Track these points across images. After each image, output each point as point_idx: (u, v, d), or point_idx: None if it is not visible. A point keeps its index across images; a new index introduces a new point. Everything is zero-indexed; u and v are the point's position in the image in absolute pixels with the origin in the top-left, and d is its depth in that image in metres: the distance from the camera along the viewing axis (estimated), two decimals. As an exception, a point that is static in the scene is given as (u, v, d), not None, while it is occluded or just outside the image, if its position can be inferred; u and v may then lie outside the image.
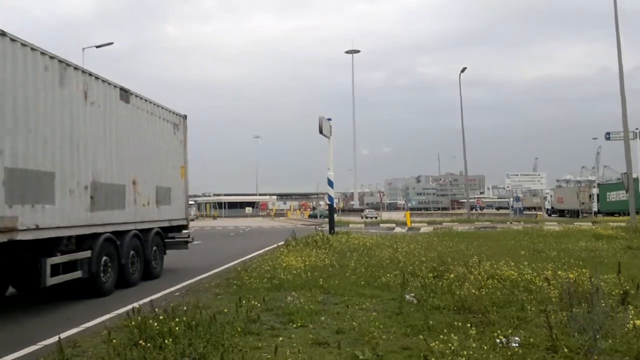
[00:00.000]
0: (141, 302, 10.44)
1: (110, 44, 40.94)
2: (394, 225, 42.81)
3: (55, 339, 7.73)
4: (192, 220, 70.87)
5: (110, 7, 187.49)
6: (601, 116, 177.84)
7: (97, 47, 39.26)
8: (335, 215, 31.27)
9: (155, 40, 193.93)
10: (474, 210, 57.63)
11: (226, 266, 16.19)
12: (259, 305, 8.31)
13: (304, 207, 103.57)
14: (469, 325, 6.93)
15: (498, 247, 15.79)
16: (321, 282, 10.18)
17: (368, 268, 11.96)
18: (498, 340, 6.28)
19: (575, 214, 55.49)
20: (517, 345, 6.20)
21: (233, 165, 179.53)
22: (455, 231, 27.76)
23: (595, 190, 58.41)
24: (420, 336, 6.46)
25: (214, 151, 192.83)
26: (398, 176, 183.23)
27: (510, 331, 6.75)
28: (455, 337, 6.25)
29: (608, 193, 53.39)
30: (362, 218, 67.50)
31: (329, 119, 25.54)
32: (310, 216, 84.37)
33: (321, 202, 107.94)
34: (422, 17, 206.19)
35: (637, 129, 35.65)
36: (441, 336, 6.27)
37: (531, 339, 6.24)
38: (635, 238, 18.90)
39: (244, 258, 18.48)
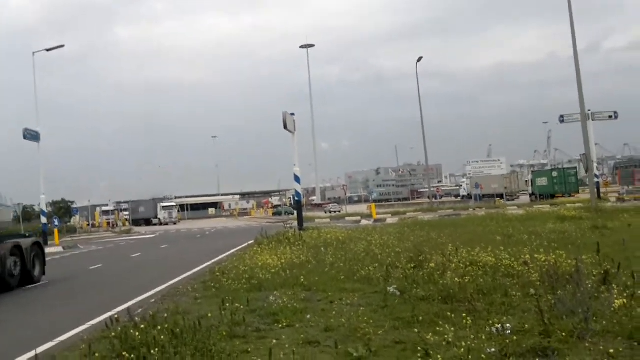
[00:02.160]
0: (116, 310, 10.13)
1: (62, 46, 39.70)
2: (359, 218, 42.93)
3: (28, 356, 7.44)
4: (175, 223, 69.82)
5: (58, 12, 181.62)
6: (551, 101, 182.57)
7: (48, 50, 38.03)
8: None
9: (107, 43, 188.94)
10: (434, 199, 58.28)
11: (199, 268, 15.87)
12: (242, 307, 8.09)
13: (266, 205, 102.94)
14: (458, 314, 6.91)
15: (469, 234, 15.93)
16: (302, 280, 10.02)
17: (345, 262, 11.86)
18: (493, 329, 6.25)
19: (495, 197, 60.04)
20: (509, 332, 6.19)
21: (193, 168, 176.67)
22: (421, 220, 27.94)
23: (530, 176, 65.23)
24: (415, 329, 6.38)
25: (173, 155, 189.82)
26: (358, 169, 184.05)
27: (500, 318, 6.75)
28: (451, 328, 6.22)
29: (538, 179, 59.06)
30: (325, 213, 67.56)
31: (292, 114, 25.34)
32: (274, 214, 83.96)
33: (284, 200, 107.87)
34: (374, 11, 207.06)
35: (589, 110, 36.51)
36: (437, 327, 6.21)
37: (525, 325, 6.21)
38: (599, 218, 19.37)
39: (216, 259, 18.18)
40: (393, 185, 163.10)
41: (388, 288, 8.93)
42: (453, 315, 6.90)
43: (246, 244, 23.12)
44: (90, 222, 76.72)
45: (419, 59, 54.10)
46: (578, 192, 55.29)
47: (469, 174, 52.12)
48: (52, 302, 12.66)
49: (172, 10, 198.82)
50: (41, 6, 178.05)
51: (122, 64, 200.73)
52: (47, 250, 31.33)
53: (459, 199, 65.14)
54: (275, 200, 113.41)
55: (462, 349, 5.30)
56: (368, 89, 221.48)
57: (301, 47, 65.96)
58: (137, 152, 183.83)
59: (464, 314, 6.86)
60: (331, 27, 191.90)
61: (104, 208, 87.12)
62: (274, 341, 6.76)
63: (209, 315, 7.66)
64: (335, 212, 68.39)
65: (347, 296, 8.96)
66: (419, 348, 5.67)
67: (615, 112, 48.84)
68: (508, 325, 6.38)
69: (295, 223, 28.24)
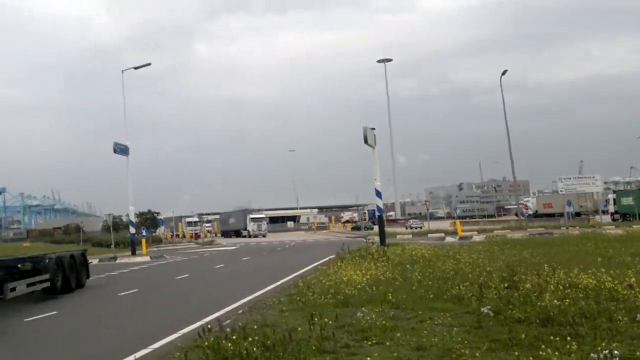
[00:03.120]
0: (205, 320, 10.33)
1: (148, 64, 41.19)
2: (443, 234, 41.98)
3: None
4: (264, 235, 69.64)
5: (141, 32, 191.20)
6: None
7: (136, 68, 39.85)
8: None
9: (188, 61, 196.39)
10: (522, 216, 56.14)
11: (282, 281, 16.00)
12: (330, 322, 8.00)
13: (345, 220, 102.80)
14: (560, 339, 6.50)
15: (565, 254, 15.10)
16: (390, 297, 9.81)
17: (434, 280, 11.53)
18: (594, 355, 5.83)
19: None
20: (618, 359, 5.74)
21: (271, 181, 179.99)
22: (510, 239, 26.91)
23: (611, 196, 63.45)
24: (514, 352, 6.05)
25: (252, 170, 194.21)
26: (437, 184, 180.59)
27: (606, 344, 6.28)
28: (554, 352, 5.85)
29: (622, 198, 57.74)
30: (406, 229, 66.61)
31: (373, 128, 25.17)
32: (353, 228, 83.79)
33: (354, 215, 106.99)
34: (451, 24, 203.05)
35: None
36: (537, 351, 5.86)
37: (636, 352, 5.74)
38: None
39: (298, 272, 18.27)
40: (477, 202, 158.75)
41: (481, 308, 8.56)
42: (554, 339, 6.47)
43: (327, 258, 23.12)
44: (174, 233, 79.49)
45: (504, 72, 52.37)
46: None
47: (561, 190, 49.59)
48: (144, 311, 13.10)
49: (248, 27, 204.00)
50: (124, 26, 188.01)
51: (201, 81, 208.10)
52: (136, 259, 32.90)
53: (522, 217, 63.62)
54: (346, 215, 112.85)
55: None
56: (447, 103, 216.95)
57: (378, 61, 65.76)
58: (216, 167, 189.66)
59: (566, 338, 6.46)
60: (404, 42, 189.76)
61: (188, 219, 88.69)
62: (367, 358, 6.64)
63: (298, 329, 7.61)
64: (416, 227, 67.31)
65: (437, 315, 8.68)
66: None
67: None
68: (616, 352, 5.93)
69: (376, 238, 27.98)
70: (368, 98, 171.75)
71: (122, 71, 39.18)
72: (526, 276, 10.35)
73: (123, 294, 15.82)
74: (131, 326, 10.96)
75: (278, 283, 15.66)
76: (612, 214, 58.53)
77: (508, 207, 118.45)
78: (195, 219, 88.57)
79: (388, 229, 54.34)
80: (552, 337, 6.48)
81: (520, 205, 64.84)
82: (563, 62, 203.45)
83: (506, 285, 9.83)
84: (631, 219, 51.54)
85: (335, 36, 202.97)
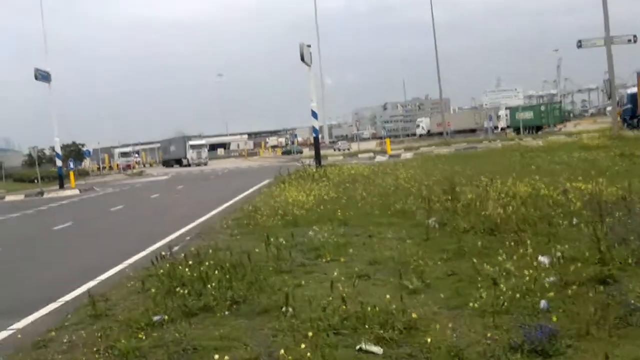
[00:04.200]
0: (151, 249, 10.17)
1: None
2: (372, 154, 42.74)
3: (74, 294, 7.49)
4: (206, 164, 65.63)
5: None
6: (556, 28, 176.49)
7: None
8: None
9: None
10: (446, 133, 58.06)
11: (223, 207, 15.91)
12: (284, 242, 8.04)
13: (272, 145, 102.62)
14: (506, 245, 6.83)
15: (496, 166, 15.71)
16: (338, 215, 9.94)
17: (377, 197, 11.77)
18: (544, 258, 6.17)
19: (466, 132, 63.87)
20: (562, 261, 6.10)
21: (199, 107, 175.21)
22: (438, 154, 27.74)
23: (503, 112, 66.32)
24: (465, 261, 6.31)
25: (178, 95, 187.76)
26: (364, 105, 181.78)
27: (549, 248, 6.66)
28: (502, 258, 6.14)
29: (517, 113, 59.65)
30: (335, 150, 67.33)
31: (309, 46, 24.69)
32: (283, 153, 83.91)
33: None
34: None
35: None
36: (489, 258, 6.14)
37: (581, 254, 6.10)
38: (624, 145, 19.02)
39: (238, 198, 18.19)
40: (401, 121, 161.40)
41: (427, 220, 8.84)
42: (504, 245, 6.80)
43: (264, 182, 23.13)
44: (102, 165, 76.86)
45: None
46: (562, 124, 59.52)
47: (486, 104, 51.50)
48: (83, 243, 12.73)
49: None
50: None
51: (123, 1, 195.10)
52: (64, 193, 31.70)
53: (416, 137, 67.64)
54: (272, 140, 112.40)
55: (527, 278, 5.22)
56: (371, 21, 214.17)
57: None
58: (142, 94, 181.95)
59: (511, 244, 6.81)
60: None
61: (121, 150, 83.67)
62: (319, 275, 6.76)
63: (256, 250, 7.61)
64: (344, 149, 68.23)
65: (385, 230, 8.91)
66: (479, 278, 5.60)
67: (634, 36, 47.13)
68: (560, 254, 6.29)
69: (309, 161, 28.17)
70: (294, 19, 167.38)
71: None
72: (465, 188, 10.72)
73: (57, 227, 15.27)
74: (73, 259, 10.65)
75: (220, 208, 15.56)
76: (502, 128, 62.90)
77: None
78: (129, 149, 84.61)
79: (318, 152, 54.69)
80: (497, 245, 6.81)
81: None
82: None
83: (448, 197, 10.14)
84: (525, 132, 54.64)
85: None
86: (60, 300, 7.20)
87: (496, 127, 63.61)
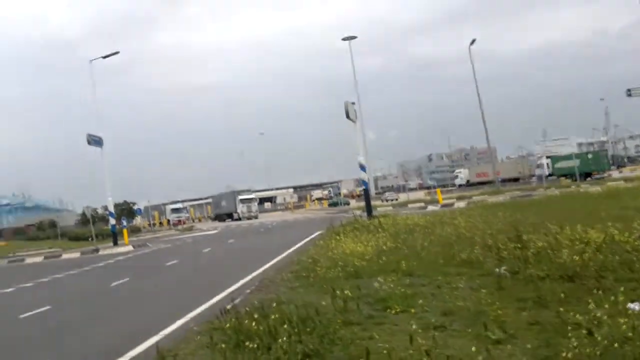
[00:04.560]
0: (209, 303, 10.08)
1: (117, 53, 39.82)
2: (423, 204, 42.20)
3: (140, 349, 7.41)
4: (256, 217, 65.89)
5: (102, 22, 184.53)
6: (602, 77, 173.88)
7: (104, 57, 38.57)
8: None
9: (149, 50, 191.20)
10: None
11: (278, 259, 15.80)
12: (350, 294, 7.80)
13: (316, 198, 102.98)
14: (588, 293, 6.44)
15: (559, 213, 15.09)
16: (403, 265, 9.65)
17: (439, 246, 11.43)
18: (634, 306, 5.77)
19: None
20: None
21: (244, 165, 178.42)
22: (493, 202, 27.10)
23: (545, 160, 66.88)
24: (547, 309, 5.95)
25: (222, 155, 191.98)
26: (406, 158, 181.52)
27: (635, 295, 6.25)
28: (591, 307, 5.76)
29: (557, 162, 61.99)
30: (382, 201, 66.90)
31: (353, 103, 24.98)
32: (330, 205, 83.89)
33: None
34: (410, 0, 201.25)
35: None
36: (571, 307, 5.78)
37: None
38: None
39: (291, 250, 18.07)
40: (447, 171, 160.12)
41: (497, 269, 8.48)
42: (585, 294, 6.41)
43: (315, 234, 22.99)
44: (151, 222, 78.34)
45: (473, 41, 52.23)
46: (610, 170, 60.91)
47: (538, 153, 50.83)
48: (142, 298, 12.73)
49: (208, 12, 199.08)
50: (83, 19, 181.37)
51: (163, 70, 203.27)
52: (118, 249, 32.28)
53: (454, 187, 67.63)
54: (316, 193, 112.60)
55: (624, 326, 4.85)
56: (411, 78, 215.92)
57: (343, 39, 63.97)
58: (187, 155, 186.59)
59: (595, 292, 6.41)
60: (364, 19, 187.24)
61: (173, 206, 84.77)
62: (390, 327, 6.49)
63: (324, 303, 7.40)
64: (392, 199, 67.80)
65: (452, 280, 8.58)
66: (568, 328, 5.24)
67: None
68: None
69: (358, 212, 28.00)
70: (334, 79, 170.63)
71: (90, 61, 37.97)
72: (532, 235, 10.30)
73: (115, 284, 15.41)
74: (133, 314, 10.63)
75: (274, 261, 15.44)
76: (546, 177, 61.76)
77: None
78: (180, 205, 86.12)
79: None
80: (578, 293, 6.42)
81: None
82: (514, 32, 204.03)
83: (516, 245, 9.73)
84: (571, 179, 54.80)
85: (295, 16, 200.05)
86: (127, 355, 7.13)
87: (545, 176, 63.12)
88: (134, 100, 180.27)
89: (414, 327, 5.92)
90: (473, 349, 4.90)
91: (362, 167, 25.17)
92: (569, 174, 56.39)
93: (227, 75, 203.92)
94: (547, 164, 64.73)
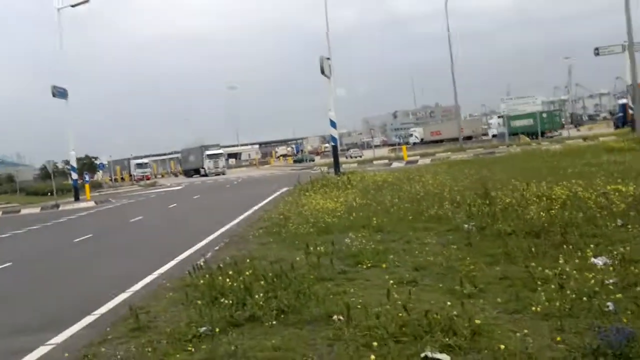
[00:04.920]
0: (180, 258, 10.03)
1: (87, 1, 38.10)
2: (387, 160, 42.49)
3: (109, 306, 7.31)
4: (224, 173, 64.32)
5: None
6: (564, 37, 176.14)
7: (73, 6, 36.82)
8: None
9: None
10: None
11: (245, 215, 15.74)
12: (323, 250, 7.83)
13: (281, 155, 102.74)
14: (554, 249, 6.62)
15: (522, 170, 15.42)
16: (374, 221, 9.73)
17: (408, 203, 11.54)
18: (596, 261, 5.98)
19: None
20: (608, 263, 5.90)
21: (208, 119, 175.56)
22: (457, 160, 27.46)
23: (497, 120, 69.13)
24: (528, 263, 6.08)
25: (187, 108, 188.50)
26: (372, 114, 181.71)
27: (600, 250, 6.46)
28: (560, 262, 5.93)
29: (512, 121, 61.78)
30: (347, 158, 67.05)
31: (328, 58, 24.60)
32: (295, 161, 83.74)
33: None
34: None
35: (625, 41, 35.08)
36: (540, 261, 5.93)
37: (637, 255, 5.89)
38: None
39: (259, 206, 18.02)
40: (430, 126, 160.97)
41: (465, 225, 8.63)
42: (547, 249, 6.59)
43: (282, 191, 22.96)
44: (113, 177, 76.99)
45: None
46: (562, 129, 61.20)
47: (503, 111, 51.49)
48: (107, 255, 12.57)
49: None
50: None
51: (134, 19, 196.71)
52: (80, 205, 31.67)
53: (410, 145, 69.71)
54: (281, 150, 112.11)
55: (592, 281, 5.00)
56: (382, 33, 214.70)
57: None
58: (150, 107, 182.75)
59: (562, 248, 6.59)
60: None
61: (137, 161, 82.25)
62: (363, 282, 6.56)
63: (298, 259, 7.42)
64: (356, 157, 68.01)
65: (422, 236, 8.70)
66: (538, 282, 5.38)
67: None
68: (616, 253, 6.09)
69: (324, 168, 28.08)
70: (306, 30, 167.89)
71: (58, 9, 36.07)
72: (499, 192, 10.49)
73: (78, 240, 15.15)
74: (100, 271, 10.47)
75: (242, 217, 15.39)
76: (493, 135, 64.76)
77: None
78: (145, 160, 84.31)
79: (330, 160, 54.53)
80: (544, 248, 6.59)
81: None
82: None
83: (483, 202, 9.91)
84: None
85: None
86: (95, 313, 7.02)
87: (494, 136, 64.61)
88: (102, 53, 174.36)
89: (390, 282, 5.96)
90: (448, 303, 4.99)
91: (333, 124, 25.02)
92: (524, 132, 57.50)
93: (198, 25, 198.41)
94: (498, 123, 66.48)
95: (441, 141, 70.19)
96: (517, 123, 59.06)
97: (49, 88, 33.88)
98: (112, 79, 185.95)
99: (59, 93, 34.13)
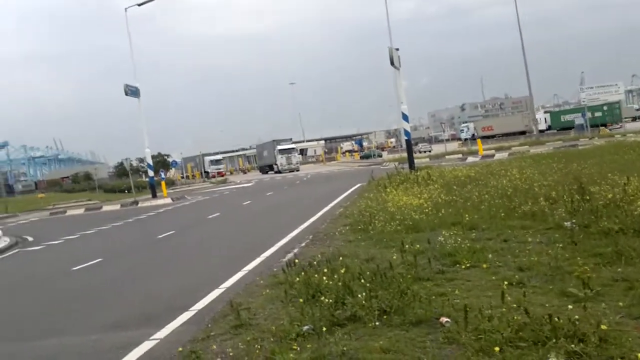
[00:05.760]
0: (267, 254, 10.05)
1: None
2: (461, 155, 41.58)
3: (205, 302, 7.38)
4: (298, 170, 63.88)
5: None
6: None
7: (139, 5, 38.13)
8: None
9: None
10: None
11: (323, 211, 15.66)
12: (419, 248, 7.61)
13: (346, 150, 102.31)
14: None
15: (613, 164, 14.58)
16: (466, 218, 9.40)
17: (497, 199, 11.09)
18: None
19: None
20: None
21: (273, 116, 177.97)
22: (538, 154, 26.38)
23: (542, 116, 69.48)
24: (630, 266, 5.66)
25: (252, 107, 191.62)
26: (440, 107, 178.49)
27: None
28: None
29: (562, 116, 64.03)
30: (417, 153, 66.03)
31: (397, 49, 24.18)
32: (362, 157, 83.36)
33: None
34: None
35: None
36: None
37: None
38: None
39: (335, 202, 17.94)
40: (481, 121, 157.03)
41: (566, 223, 8.17)
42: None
43: (355, 187, 22.81)
44: (184, 174, 79.18)
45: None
46: (622, 121, 61.45)
47: (583, 100, 49.32)
48: (193, 251, 12.79)
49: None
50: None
51: (194, 19, 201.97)
52: (157, 202, 32.63)
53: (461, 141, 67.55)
54: (347, 146, 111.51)
55: None
56: (444, 23, 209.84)
57: None
58: (215, 106, 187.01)
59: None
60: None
61: (211, 158, 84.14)
62: (464, 283, 6.30)
63: (394, 257, 7.24)
64: (425, 151, 66.96)
65: (519, 233, 8.31)
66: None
67: None
68: None
69: (394, 164, 27.68)
70: (364, 24, 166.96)
71: (126, 9, 37.33)
72: (597, 187, 9.90)
73: (161, 236, 15.55)
74: (189, 267, 10.65)
75: (320, 213, 15.34)
76: (540, 131, 62.57)
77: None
78: (219, 157, 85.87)
79: (399, 155, 53.89)
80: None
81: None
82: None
83: (582, 197, 9.36)
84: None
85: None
86: (193, 308, 7.10)
87: (541, 131, 62.32)
88: (166, 51, 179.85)
89: (503, 283, 5.68)
90: (569, 306, 4.68)
91: (405, 117, 24.56)
92: (568, 128, 56.97)
93: (261, 26, 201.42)
94: (545, 118, 66.69)
95: (493, 137, 69.92)
96: (564, 118, 57.16)
97: (115, 87, 34.89)
98: (178, 78, 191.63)
99: (131, 92, 35.00)
